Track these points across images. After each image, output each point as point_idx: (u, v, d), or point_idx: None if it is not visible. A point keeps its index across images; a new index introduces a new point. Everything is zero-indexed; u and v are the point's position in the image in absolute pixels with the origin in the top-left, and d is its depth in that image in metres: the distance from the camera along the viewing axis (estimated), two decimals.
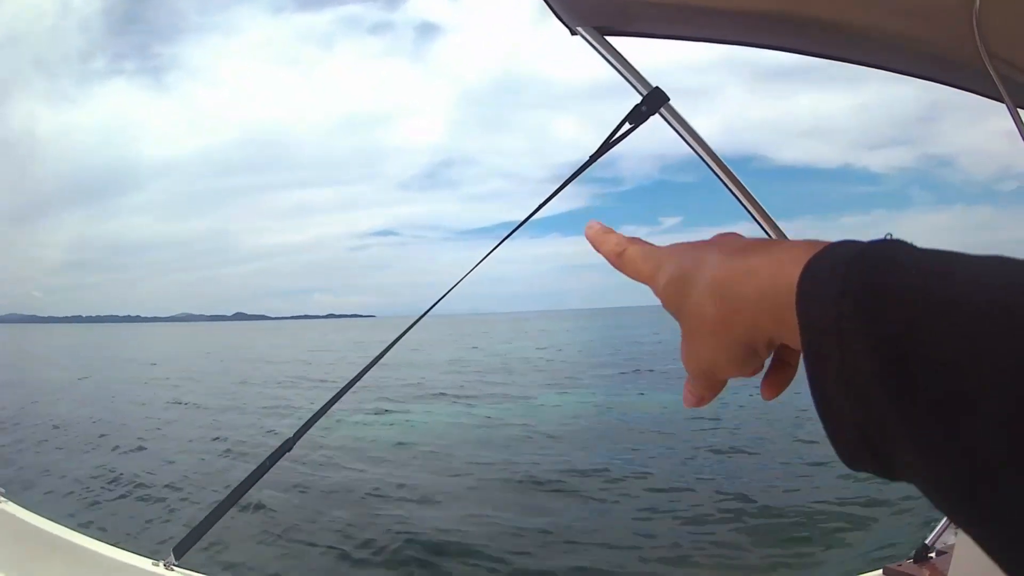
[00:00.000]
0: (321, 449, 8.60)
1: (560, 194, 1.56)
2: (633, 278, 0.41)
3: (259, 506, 5.98)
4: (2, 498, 1.81)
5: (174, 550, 1.60)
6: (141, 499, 6.88)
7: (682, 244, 0.39)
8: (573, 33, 1.40)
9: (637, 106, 1.41)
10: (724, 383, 0.38)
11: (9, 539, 1.73)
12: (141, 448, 9.41)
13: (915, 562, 2.20)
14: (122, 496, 6.97)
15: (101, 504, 6.75)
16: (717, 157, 1.47)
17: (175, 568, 1.60)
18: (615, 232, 0.42)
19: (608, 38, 1.40)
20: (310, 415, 1.68)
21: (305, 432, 1.68)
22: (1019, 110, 1.74)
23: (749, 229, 1.69)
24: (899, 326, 0.25)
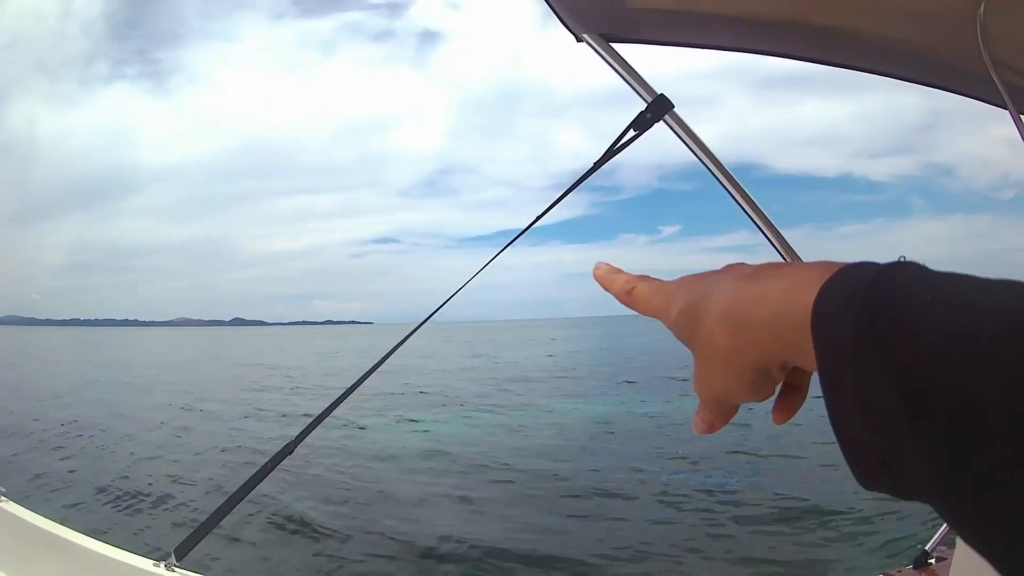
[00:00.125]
0: (328, 454, 8.58)
1: (560, 202, 1.56)
2: (644, 313, 0.41)
3: (260, 507, 5.98)
4: (2, 498, 1.80)
5: (175, 551, 1.60)
6: (141, 499, 6.86)
7: (690, 276, 0.39)
8: (579, 40, 1.40)
9: (642, 113, 1.41)
10: (736, 409, 0.38)
11: (9, 539, 1.73)
12: (133, 453, 9.35)
13: (915, 568, 2.20)
14: (122, 496, 6.96)
15: (101, 504, 6.74)
16: (721, 165, 1.47)
17: (176, 569, 1.59)
18: (623, 272, 0.43)
19: (613, 45, 1.40)
20: (311, 419, 1.69)
21: (306, 435, 1.68)
22: (1022, 116, 1.75)
23: (751, 237, 1.70)
24: (915, 354, 0.25)
